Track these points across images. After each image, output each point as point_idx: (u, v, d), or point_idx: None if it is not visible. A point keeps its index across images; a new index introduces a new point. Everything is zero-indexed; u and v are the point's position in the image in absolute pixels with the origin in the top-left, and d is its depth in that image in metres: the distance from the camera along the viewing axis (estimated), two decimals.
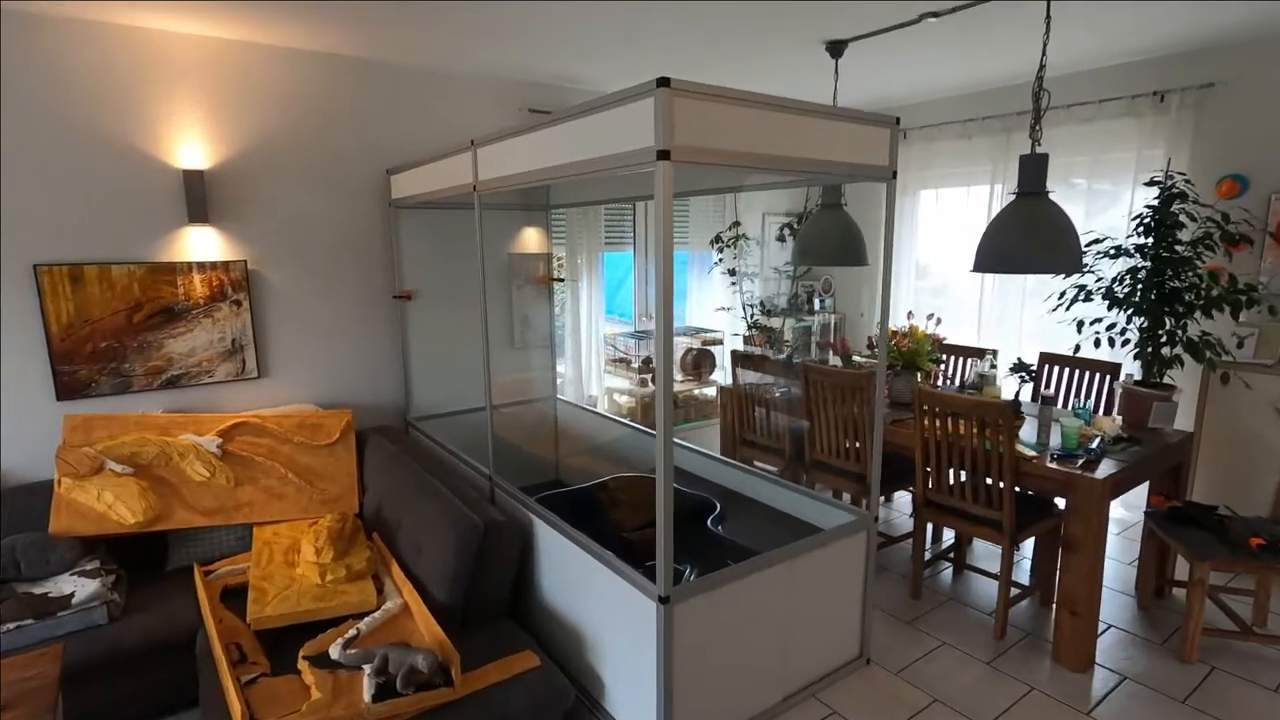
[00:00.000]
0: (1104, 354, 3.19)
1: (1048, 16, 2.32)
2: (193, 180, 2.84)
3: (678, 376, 4.32)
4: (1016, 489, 2.41)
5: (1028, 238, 2.33)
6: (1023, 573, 3.03)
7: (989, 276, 4.05)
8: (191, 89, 2.84)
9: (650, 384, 4.13)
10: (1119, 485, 2.29)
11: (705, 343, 4.28)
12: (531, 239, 3.80)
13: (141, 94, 2.73)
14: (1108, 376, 3.06)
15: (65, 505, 2.49)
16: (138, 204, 2.78)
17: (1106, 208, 3.52)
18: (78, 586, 2.27)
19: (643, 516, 2.81)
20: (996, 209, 3.95)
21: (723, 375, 4.38)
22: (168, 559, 2.67)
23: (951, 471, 2.59)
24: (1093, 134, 3.51)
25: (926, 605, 2.74)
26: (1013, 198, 2.46)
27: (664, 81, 1.51)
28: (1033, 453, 2.41)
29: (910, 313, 3.33)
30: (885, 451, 2.89)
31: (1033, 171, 2.40)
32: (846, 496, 3.40)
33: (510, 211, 3.71)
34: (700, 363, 4.25)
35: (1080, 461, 2.31)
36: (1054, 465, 2.33)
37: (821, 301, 4.82)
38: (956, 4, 2.52)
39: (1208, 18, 2.68)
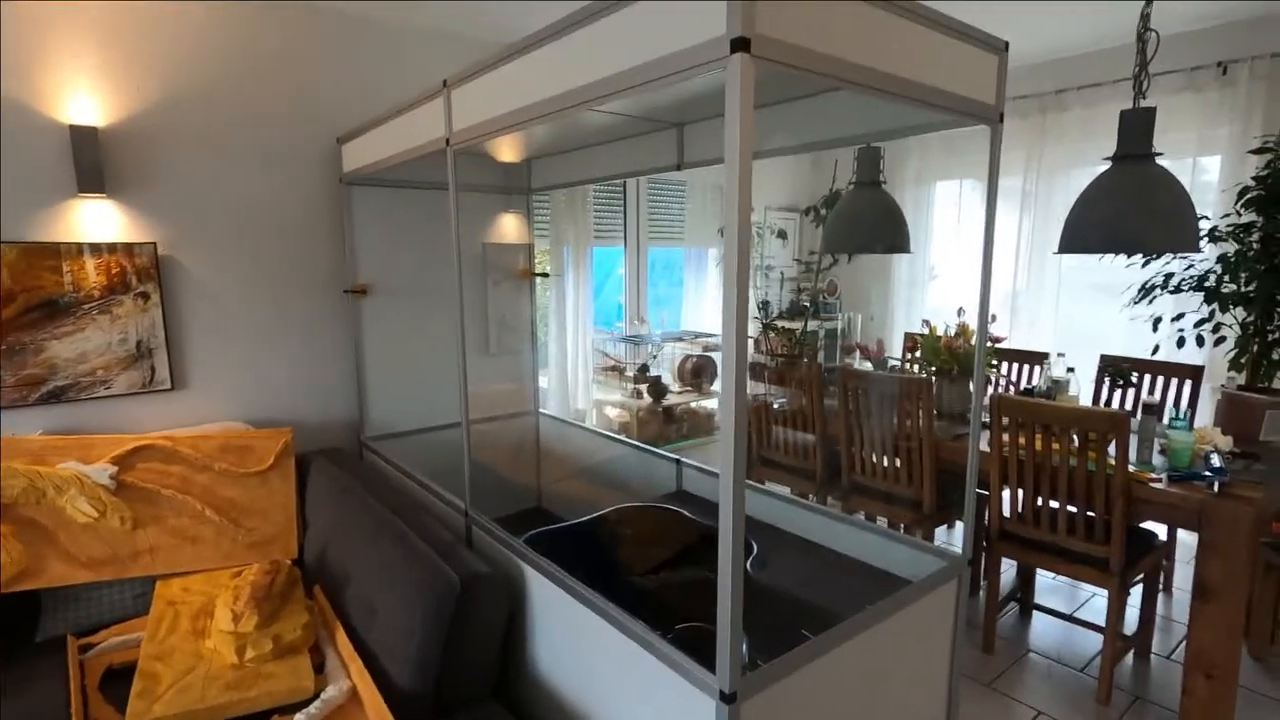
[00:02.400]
0: (1180, 356, 2.78)
1: None
2: (83, 139, 2.24)
3: (674, 387, 3.81)
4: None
5: (1141, 209, 1.89)
6: (1094, 612, 2.57)
7: (1020, 274, 3.65)
8: (81, 21, 2.24)
9: (645, 396, 3.61)
10: (1264, 512, 1.84)
11: (706, 348, 3.78)
12: (510, 227, 3.26)
13: (9, 24, 2.13)
14: (1188, 381, 2.64)
15: None
16: (7, 167, 2.17)
17: None
18: None
19: (656, 555, 2.27)
20: (1031, 199, 3.56)
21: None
22: (39, 627, 2.04)
23: (1022, 496, 2.12)
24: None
25: (1003, 660, 2.25)
26: (1107, 164, 2.03)
27: None
28: (1152, 474, 1.95)
29: (961, 309, 2.91)
30: (939, 471, 2.41)
31: (1138, 129, 1.97)
32: (882, 522, 2.92)
33: (486, 195, 3.17)
34: (701, 371, 3.75)
35: (1213, 483, 1.86)
36: (1176, 489, 1.87)
37: (825, 305, 4.37)
38: None
39: None
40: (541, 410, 3.43)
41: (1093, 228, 1.96)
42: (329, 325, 2.83)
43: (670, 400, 3.64)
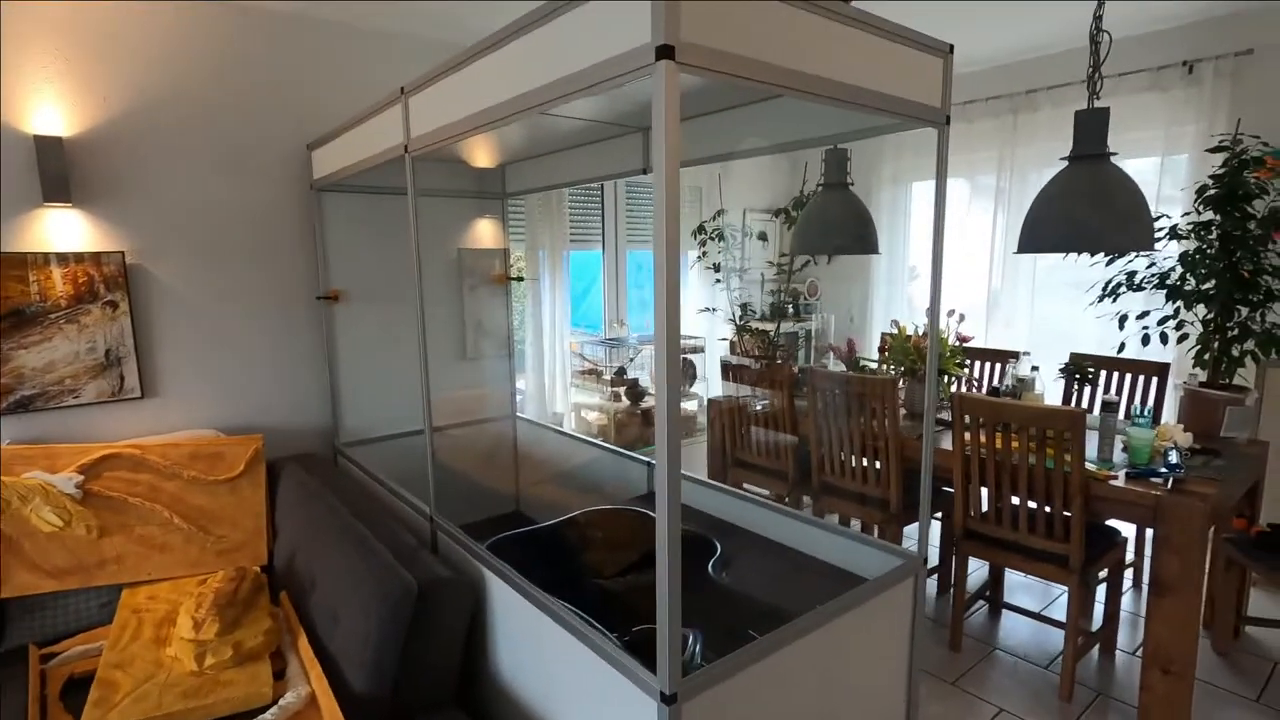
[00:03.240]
0: (1140, 353, 2.79)
1: None
2: (48, 149, 2.24)
3: (653, 389, 3.81)
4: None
5: (1095, 208, 1.90)
6: (1063, 610, 2.58)
7: (995, 273, 3.66)
8: (47, 32, 2.25)
9: (624, 399, 3.62)
10: (1218, 508, 1.86)
11: (686, 350, 3.79)
12: (486, 232, 3.27)
13: None
14: (1154, 379, 2.66)
15: None
16: None
17: None
18: None
19: (624, 558, 2.28)
20: (1005, 197, 3.58)
21: (704, 386, 3.89)
22: (4, 636, 2.04)
23: (985, 494, 2.14)
24: (1112, 110, 3.14)
25: (969, 658, 2.27)
26: (1064, 164, 2.05)
27: None
28: (1108, 471, 1.96)
29: (926, 309, 2.91)
30: (907, 470, 2.42)
31: (1092, 129, 1.99)
32: (855, 523, 2.94)
33: (461, 200, 3.18)
34: (680, 373, 3.76)
35: (1168, 480, 1.87)
36: (1133, 486, 1.88)
37: (806, 306, 4.39)
38: None
39: None
40: (519, 415, 3.44)
41: (1049, 227, 1.98)
42: (302, 332, 2.83)
43: (649, 403, 3.64)
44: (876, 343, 3.97)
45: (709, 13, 1.10)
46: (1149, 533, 2.75)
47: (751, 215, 4.28)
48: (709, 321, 3.97)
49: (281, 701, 1.63)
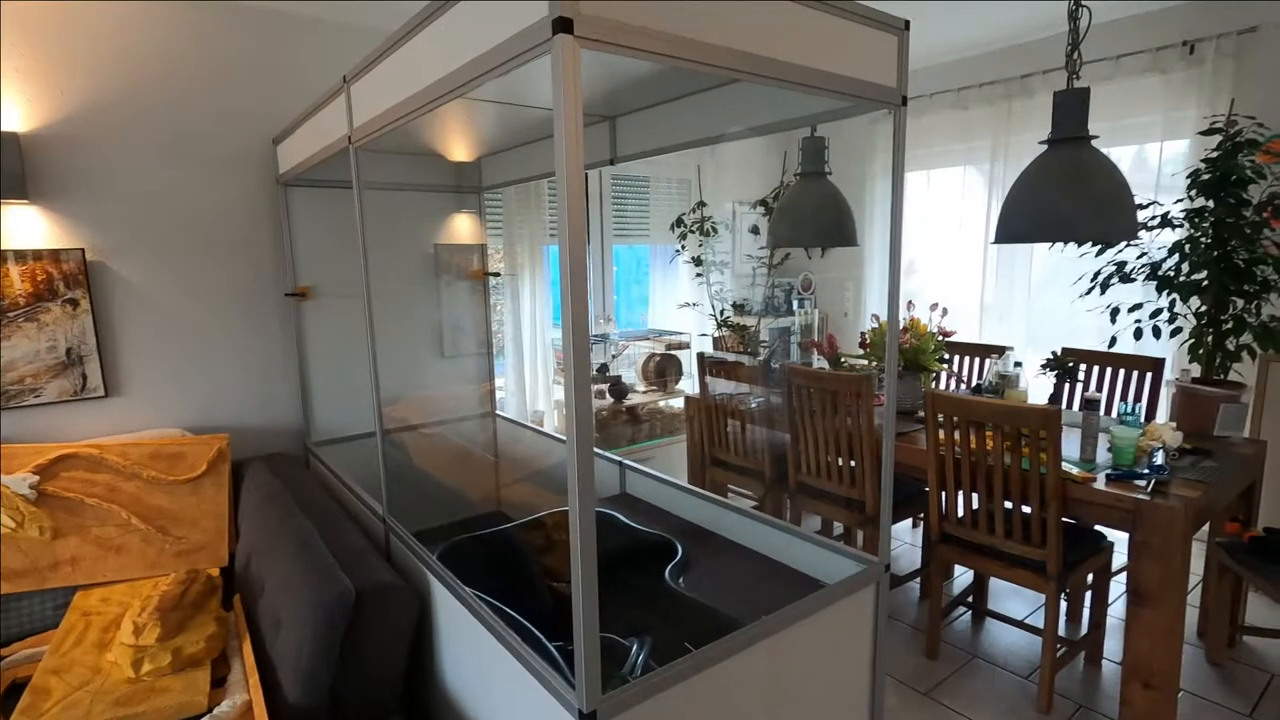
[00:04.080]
0: (1139, 347, 2.67)
1: None
2: (5, 145, 2.21)
3: (639, 386, 3.74)
4: (1062, 519, 1.87)
5: (1072, 195, 1.80)
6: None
7: (990, 266, 3.54)
8: (2, 25, 2.21)
9: (607, 396, 3.55)
10: (1202, 513, 1.75)
11: (670, 346, 3.71)
12: (463, 228, 3.21)
13: None
14: (1148, 374, 2.53)
15: None
16: None
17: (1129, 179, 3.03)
18: None
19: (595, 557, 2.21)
20: (998, 187, 3.46)
21: (690, 383, 3.81)
22: None
23: (974, 496, 2.04)
24: (1110, 94, 3.02)
25: (946, 667, 2.17)
26: (1044, 148, 1.95)
27: None
28: (1083, 472, 1.86)
29: (911, 303, 2.82)
30: (881, 470, 2.33)
31: (1071, 111, 1.88)
32: (838, 526, 2.84)
33: (437, 194, 3.12)
34: (665, 369, 3.68)
35: (1148, 483, 1.77)
36: (1112, 489, 1.78)
37: (800, 301, 4.28)
38: None
39: None
40: (499, 413, 3.38)
41: (1025, 216, 1.88)
42: (271, 329, 2.79)
43: (634, 400, 3.57)
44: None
45: None
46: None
47: (742, 208, 4.18)
48: (694, 318, 3.88)
49: (215, 710, 1.58)
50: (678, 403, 3.84)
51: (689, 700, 1.33)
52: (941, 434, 2.03)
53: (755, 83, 1.27)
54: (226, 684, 1.72)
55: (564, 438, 2.91)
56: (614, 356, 3.58)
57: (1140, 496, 1.72)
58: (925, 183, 3.81)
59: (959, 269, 3.68)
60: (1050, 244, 1.97)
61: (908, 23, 1.51)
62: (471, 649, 1.59)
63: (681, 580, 1.90)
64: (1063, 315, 3.34)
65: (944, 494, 2.10)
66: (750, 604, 1.75)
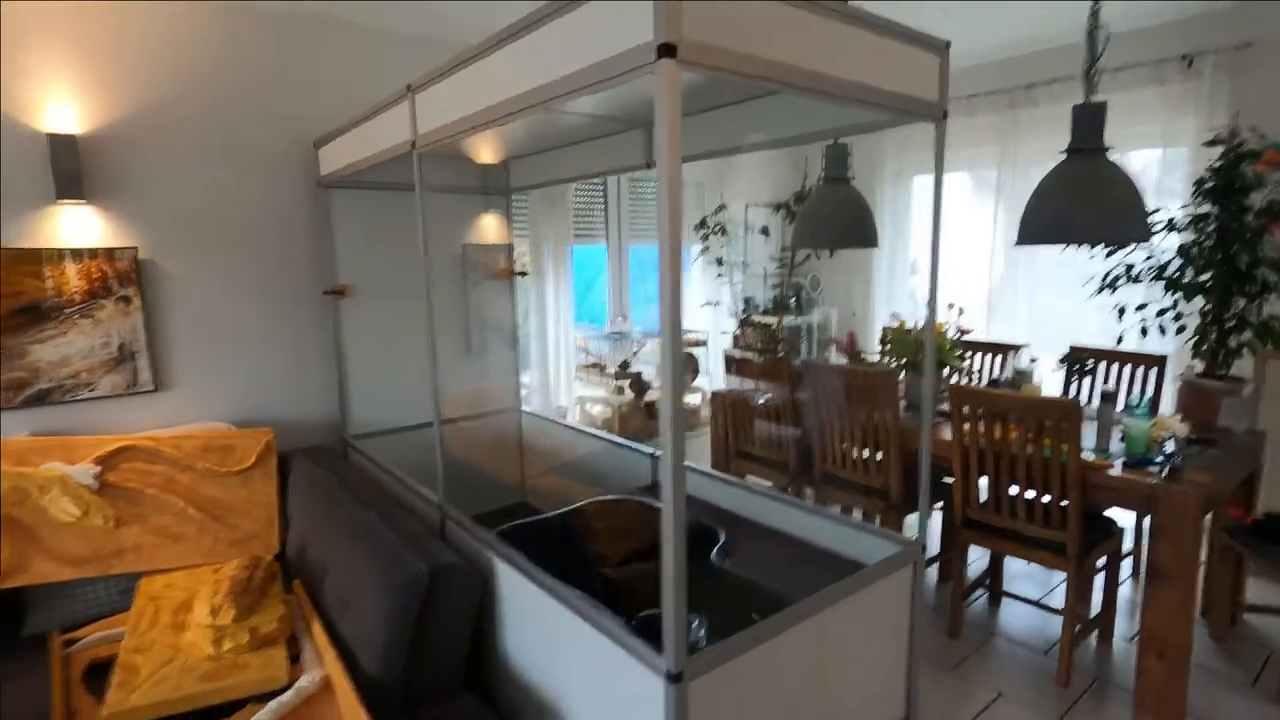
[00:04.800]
0: (1142, 345, 2.81)
1: None
2: (62, 147, 2.29)
3: (656, 383, 3.85)
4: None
5: (1089, 202, 1.93)
6: (1062, 597, 2.62)
7: (995, 267, 3.69)
8: (58, 32, 2.29)
9: (628, 392, 3.66)
10: (1212, 497, 1.89)
11: (688, 344, 3.83)
12: (490, 228, 3.31)
13: None
14: (1153, 370, 2.68)
15: None
16: None
17: None
18: None
19: (628, 547, 2.32)
20: (1006, 192, 3.60)
21: (707, 380, 3.93)
22: (24, 622, 2.09)
23: (985, 483, 2.17)
24: (1112, 105, 3.15)
25: (967, 645, 2.30)
26: (1055, 155, 2.08)
27: None
28: (1105, 460, 2.00)
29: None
30: (907, 461, 2.46)
31: (1088, 124, 2.02)
32: (856, 513, 2.97)
33: (466, 196, 3.22)
34: (684, 367, 3.79)
35: (1164, 469, 1.91)
36: (1129, 475, 1.92)
37: (809, 299, 4.41)
38: None
39: None
40: (523, 408, 3.48)
41: (1045, 220, 2.01)
42: (310, 326, 2.87)
43: (652, 395, 3.68)
44: (878, 336, 4.00)
45: (710, 11, 1.13)
46: (1147, 524, 2.78)
47: (754, 210, 4.30)
48: (711, 316, 4.01)
49: (297, 684, 1.68)
50: (694, 399, 3.95)
51: (755, 668, 1.45)
52: (966, 426, 2.16)
53: (817, 98, 1.38)
54: (300, 661, 1.81)
55: (590, 431, 3.02)
56: (635, 353, 3.69)
57: (1156, 481, 1.86)
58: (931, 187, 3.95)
59: (963, 270, 3.82)
60: (1068, 245, 2.10)
61: (948, 43, 1.63)
62: (544, 626, 1.69)
63: (728, 562, 2.01)
64: (1064, 314, 3.50)
65: (967, 482, 2.23)
66: (792, 584, 1.87)
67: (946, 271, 3.95)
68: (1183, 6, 2.81)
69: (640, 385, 3.61)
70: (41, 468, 2.17)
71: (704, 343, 3.84)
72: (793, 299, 4.37)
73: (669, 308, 1.15)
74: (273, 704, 1.60)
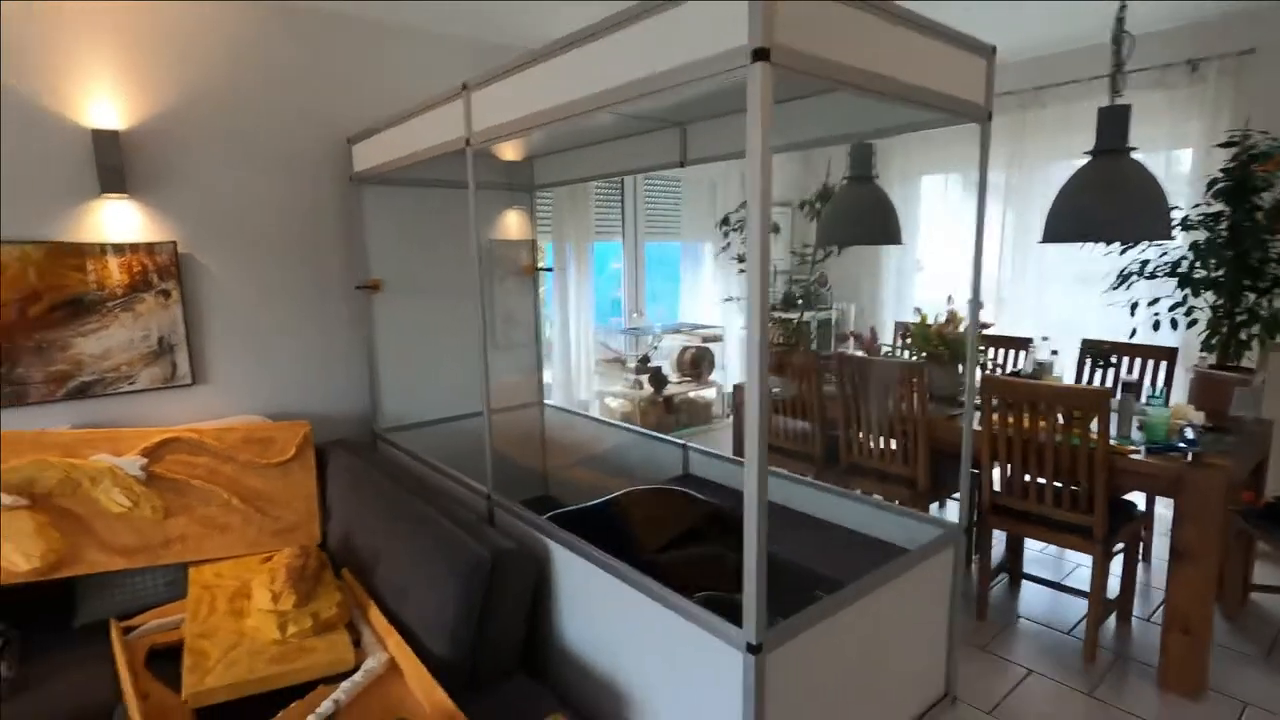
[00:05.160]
0: (1155, 338, 2.93)
1: None
2: (105, 142, 2.30)
3: (673, 377, 3.92)
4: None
5: (1115, 201, 2.02)
6: (1078, 581, 2.72)
7: (1005, 263, 3.80)
8: (102, 29, 2.30)
9: (646, 386, 3.72)
10: (1233, 480, 1.99)
11: (705, 339, 3.90)
12: (514, 224, 3.35)
13: (36, 33, 2.19)
14: (1163, 362, 2.80)
15: None
16: (33, 169, 2.23)
17: None
18: None
19: (667, 534, 2.39)
20: (1015, 192, 3.71)
21: (722, 375, 4.00)
22: (76, 612, 2.11)
23: (1008, 470, 2.26)
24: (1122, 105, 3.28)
25: (994, 626, 2.40)
26: (1087, 159, 2.17)
27: None
28: (1132, 447, 2.09)
29: (950, 297, 3.06)
30: (933, 450, 2.54)
31: (1114, 126, 2.11)
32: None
33: (490, 192, 3.26)
34: (699, 361, 3.86)
35: (1189, 454, 2.01)
36: (1154, 460, 2.02)
37: (816, 295, 4.49)
38: None
39: None
40: (546, 401, 3.53)
41: (1073, 218, 2.10)
42: (341, 321, 2.91)
43: (670, 390, 3.75)
44: (887, 331, 4.10)
45: (799, 17, 1.20)
46: (1157, 509, 2.90)
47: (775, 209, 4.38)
48: (723, 312, 4.08)
49: (365, 666, 1.72)
50: (709, 393, 4.02)
51: (816, 644, 1.52)
52: (995, 415, 2.25)
53: (877, 99, 1.45)
54: (361, 645, 1.86)
55: (619, 423, 3.08)
56: (655, 348, 3.75)
57: (1182, 466, 1.96)
58: (943, 186, 4.05)
59: (967, 267, 3.93)
60: (1097, 243, 2.19)
61: (994, 47, 1.71)
62: (606, 607, 1.75)
63: (772, 546, 2.08)
64: (1066, 310, 3.61)
65: (995, 468, 2.32)
66: (837, 564, 1.95)
67: (951, 269, 4.05)
68: (1188, 13, 2.92)
69: (659, 380, 3.67)
70: (91, 459, 2.19)
71: (720, 338, 3.91)
72: (799, 296, 4.45)
73: (758, 304, 1.21)
74: (345, 685, 1.65)
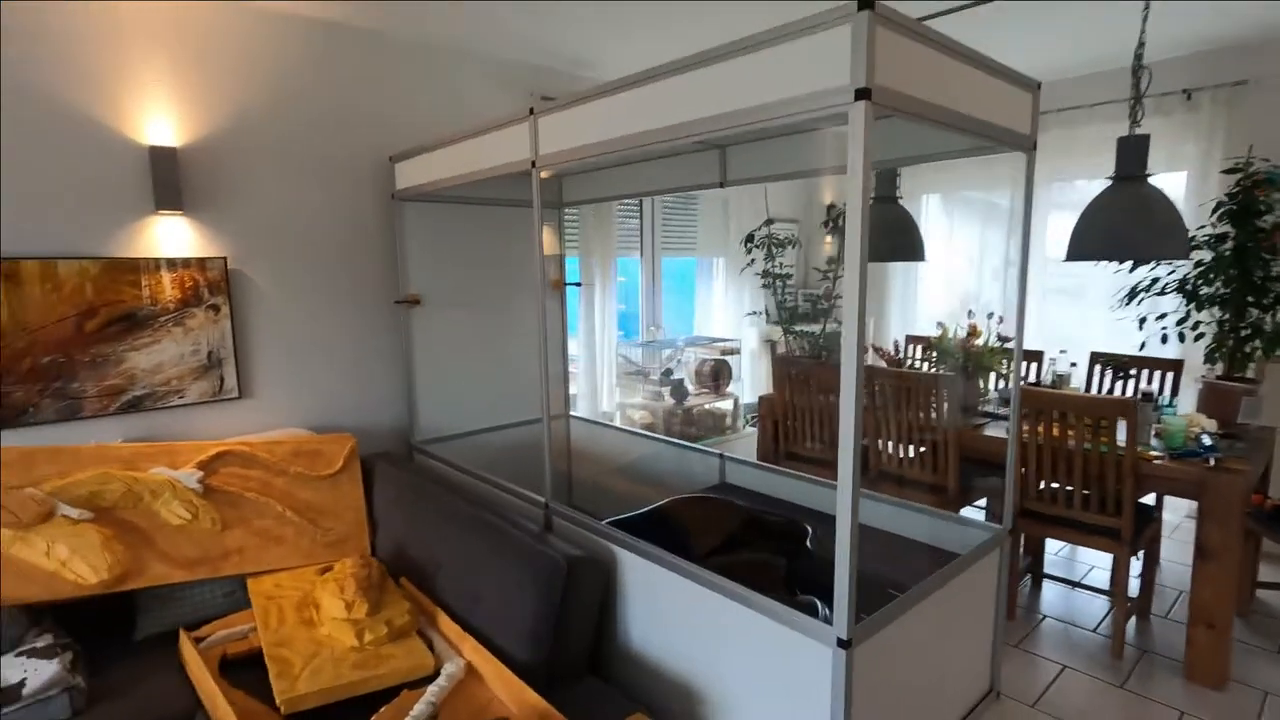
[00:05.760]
0: (1154, 351, 3.10)
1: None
2: (162, 159, 2.34)
3: (692, 389, 4.01)
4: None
5: (1139, 222, 2.17)
6: (1096, 581, 2.86)
7: (1010, 280, 3.97)
8: (161, 49, 2.35)
9: (667, 397, 3.81)
10: (1251, 484, 2.14)
11: (724, 352, 4.00)
12: (544, 240, 3.42)
13: (98, 52, 2.23)
14: (1169, 374, 2.97)
15: (3, 564, 1.93)
16: (92, 186, 2.27)
17: None
18: (29, 671, 1.73)
19: (714, 540, 2.47)
20: (1017, 216, 3.89)
21: (740, 386, 4.11)
22: (136, 625, 2.12)
23: (1034, 475, 2.38)
24: (1122, 133, 3.47)
25: (1023, 625, 2.52)
26: (1108, 183, 2.32)
27: (866, 3, 1.23)
28: (1154, 453, 2.23)
29: (971, 311, 3.20)
30: (962, 459, 2.67)
31: (1133, 154, 2.26)
32: None
33: (520, 210, 3.33)
34: (718, 373, 3.97)
35: (1211, 459, 2.15)
36: (1177, 465, 2.16)
37: (821, 309, 4.63)
38: None
39: (1238, 17, 2.69)
40: (572, 414, 3.59)
41: (1097, 238, 2.24)
42: (380, 335, 2.95)
43: (690, 402, 3.84)
44: (889, 343, 4.25)
45: (892, 59, 1.31)
46: (1164, 513, 3.06)
47: (780, 225, 4.52)
48: (738, 325, 4.19)
49: (446, 670, 1.78)
50: (725, 405, 4.12)
51: (890, 640, 1.61)
52: (1027, 425, 2.38)
53: (940, 129, 1.57)
54: (435, 650, 1.91)
55: (650, 434, 3.15)
56: (678, 361, 3.85)
57: (1204, 470, 2.10)
58: (942, 204, 4.23)
59: (975, 283, 4.10)
60: (1122, 261, 2.33)
61: (1039, 83, 1.85)
62: (678, 608, 1.82)
63: (820, 550, 2.18)
64: (1069, 323, 3.79)
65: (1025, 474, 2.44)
66: (887, 566, 2.05)
67: (953, 285, 4.22)
68: (1186, 45, 3.12)
69: (681, 391, 3.76)
70: (150, 472, 2.21)
71: (737, 351, 4.02)
72: (822, 310, 4.58)
73: (854, 328, 1.32)
74: (432, 689, 1.70)
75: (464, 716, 1.64)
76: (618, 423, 3.90)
